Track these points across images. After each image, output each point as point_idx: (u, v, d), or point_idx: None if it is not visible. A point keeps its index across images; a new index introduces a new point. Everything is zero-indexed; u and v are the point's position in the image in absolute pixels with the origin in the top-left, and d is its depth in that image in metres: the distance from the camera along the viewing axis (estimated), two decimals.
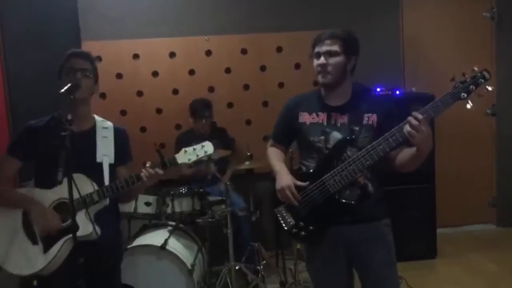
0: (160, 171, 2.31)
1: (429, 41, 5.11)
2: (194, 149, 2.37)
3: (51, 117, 2.43)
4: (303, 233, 2.32)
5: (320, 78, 2.30)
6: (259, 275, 3.94)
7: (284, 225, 2.37)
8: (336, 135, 2.28)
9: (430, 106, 2.01)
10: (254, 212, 4.13)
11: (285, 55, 4.78)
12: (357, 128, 2.26)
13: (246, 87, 4.82)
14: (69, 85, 2.20)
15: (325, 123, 2.32)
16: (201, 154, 2.37)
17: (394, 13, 5.01)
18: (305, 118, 2.37)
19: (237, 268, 3.74)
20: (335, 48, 2.26)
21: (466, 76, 2.02)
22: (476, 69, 2.01)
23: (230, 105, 4.81)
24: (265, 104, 4.82)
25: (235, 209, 4.01)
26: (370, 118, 2.27)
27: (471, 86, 1.99)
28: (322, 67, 2.27)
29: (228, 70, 4.79)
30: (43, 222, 2.24)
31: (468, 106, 2.00)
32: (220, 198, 3.94)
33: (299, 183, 2.29)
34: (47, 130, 2.36)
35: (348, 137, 2.25)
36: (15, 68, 3.68)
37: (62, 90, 2.17)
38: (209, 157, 2.41)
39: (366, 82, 3.85)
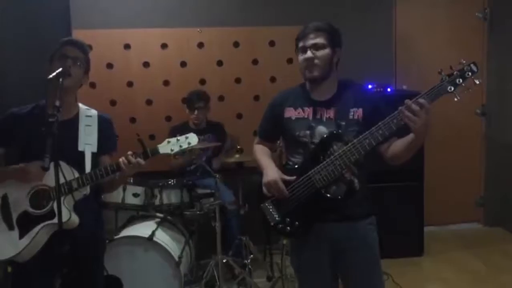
0: (141, 161, 2.27)
1: (421, 40, 5.12)
2: (178, 140, 2.33)
3: (35, 105, 2.41)
4: (288, 228, 2.30)
5: (307, 73, 2.26)
6: (246, 269, 3.94)
7: (270, 220, 2.34)
8: (321, 130, 2.26)
9: (418, 98, 1.98)
10: (243, 206, 4.13)
11: (278, 49, 4.76)
12: (343, 123, 2.23)
13: (238, 80, 4.80)
14: (58, 70, 2.18)
15: (310, 118, 2.29)
16: (185, 145, 2.33)
17: (387, 11, 5.01)
18: (291, 113, 2.35)
19: (224, 261, 3.73)
20: (321, 40, 2.23)
21: (453, 69, 1.99)
22: (463, 61, 1.98)
23: (221, 98, 4.78)
24: (257, 98, 4.81)
25: (224, 203, 4.01)
26: (356, 113, 2.24)
27: (458, 79, 1.96)
28: (308, 61, 2.23)
29: (220, 63, 4.77)
30: (29, 173, 2.23)
31: (456, 99, 1.98)
32: (209, 191, 3.94)
33: (286, 177, 2.27)
34: (30, 117, 2.34)
35: (334, 132, 2.22)
36: (4, 57, 3.63)
37: (51, 76, 2.15)
38: (192, 149, 2.37)
39: (358, 79, 3.86)
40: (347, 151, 2.14)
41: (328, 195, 2.23)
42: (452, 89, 1.96)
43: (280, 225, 2.32)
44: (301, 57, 2.26)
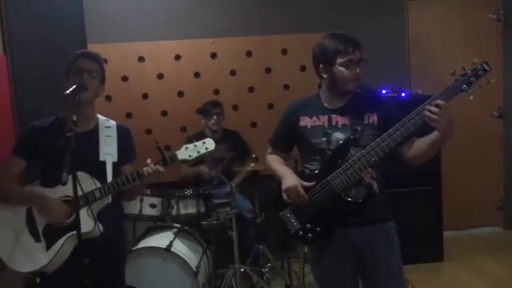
0: (161, 168, 2.30)
1: (435, 43, 5.09)
2: (195, 146, 2.37)
3: (56, 118, 2.44)
4: (310, 235, 2.30)
5: (351, 86, 2.29)
6: (264, 278, 3.93)
7: (290, 228, 2.35)
8: (338, 136, 2.28)
9: (434, 98, 2.03)
10: (259, 214, 4.12)
11: (290, 57, 4.78)
12: (359, 128, 2.26)
13: (251, 89, 4.82)
14: (74, 86, 2.21)
15: (326, 125, 2.32)
16: (202, 150, 2.36)
17: (400, 15, 5.00)
18: (306, 121, 2.37)
19: (242, 270, 3.73)
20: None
21: (466, 69, 2.05)
22: (476, 61, 2.05)
23: (235, 107, 4.81)
24: (270, 106, 4.82)
25: (241, 211, 4.00)
26: (371, 118, 2.29)
27: (472, 78, 2.03)
28: (357, 76, 2.27)
29: (233, 73, 4.79)
30: (52, 213, 2.26)
31: (471, 97, 2.04)
32: (225, 200, 3.94)
33: (305, 183, 2.28)
34: (51, 130, 2.38)
35: (351, 136, 2.25)
36: (21, 70, 3.69)
37: (67, 92, 2.18)
38: (210, 153, 2.38)
39: (372, 83, 3.86)
40: (366, 154, 2.16)
41: (349, 199, 2.23)
42: (467, 88, 2.02)
43: (301, 232, 2.33)
44: (346, 72, 2.26)
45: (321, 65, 2.32)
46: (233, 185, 3.78)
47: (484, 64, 2.04)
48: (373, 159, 2.16)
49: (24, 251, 2.28)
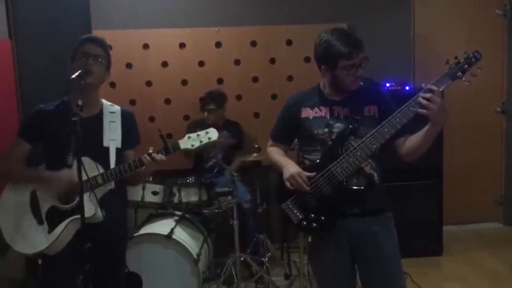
0: (163, 157, 2.31)
1: (440, 37, 5.07)
2: (198, 135, 2.37)
3: (61, 102, 2.45)
4: (314, 224, 2.30)
5: (352, 86, 2.30)
6: (264, 267, 3.95)
7: (293, 219, 2.35)
8: (339, 127, 2.30)
9: (430, 85, 2.08)
10: (261, 204, 4.14)
11: (295, 48, 4.77)
12: (358, 117, 2.28)
13: (255, 79, 4.82)
14: (79, 71, 2.22)
15: (328, 117, 2.33)
16: (205, 140, 2.36)
17: (405, 8, 4.98)
18: (308, 113, 2.38)
19: (242, 259, 3.75)
20: None
21: (459, 58, 2.12)
22: (467, 51, 2.13)
23: (238, 97, 4.81)
24: (274, 96, 4.81)
25: (241, 201, 4.02)
26: (371, 110, 2.31)
27: (465, 66, 2.09)
28: (359, 77, 2.28)
29: (237, 62, 4.79)
30: (62, 182, 2.28)
31: (466, 84, 2.09)
32: (227, 189, 3.96)
33: (307, 173, 2.29)
34: (56, 114, 2.39)
35: (350, 126, 2.26)
36: (26, 54, 3.71)
37: (73, 76, 2.19)
38: (213, 144, 2.40)
39: (376, 77, 3.87)
40: (367, 142, 2.18)
41: (350, 187, 2.24)
42: (461, 75, 2.09)
43: (304, 222, 2.33)
44: (348, 75, 2.25)
45: (322, 66, 2.32)
46: (231, 171, 3.78)
47: (475, 53, 2.11)
48: (374, 146, 2.18)
49: (27, 233, 2.30)
